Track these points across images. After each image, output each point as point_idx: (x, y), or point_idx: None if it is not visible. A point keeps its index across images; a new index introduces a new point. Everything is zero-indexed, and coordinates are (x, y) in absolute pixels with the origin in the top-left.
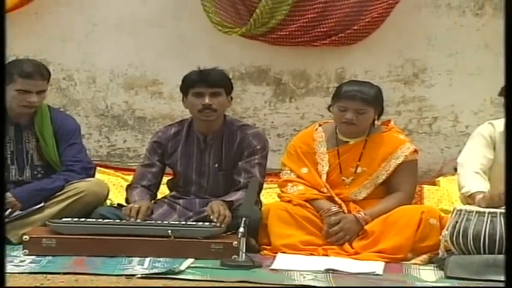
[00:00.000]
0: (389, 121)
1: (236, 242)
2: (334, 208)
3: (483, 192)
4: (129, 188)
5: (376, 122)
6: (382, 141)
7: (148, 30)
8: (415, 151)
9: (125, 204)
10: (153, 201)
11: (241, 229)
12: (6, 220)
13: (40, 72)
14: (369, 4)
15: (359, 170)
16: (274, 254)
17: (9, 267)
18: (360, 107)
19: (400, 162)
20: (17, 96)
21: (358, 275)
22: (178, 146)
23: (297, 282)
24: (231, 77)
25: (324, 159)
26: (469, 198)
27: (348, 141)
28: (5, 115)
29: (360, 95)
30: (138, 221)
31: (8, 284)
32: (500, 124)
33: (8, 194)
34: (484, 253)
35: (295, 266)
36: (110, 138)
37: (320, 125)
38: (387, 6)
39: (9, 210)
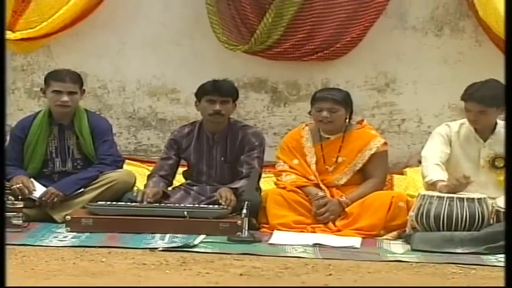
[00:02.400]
0: (362, 120)
1: (240, 222)
2: (321, 193)
3: (443, 180)
4: (149, 176)
5: (347, 120)
6: (357, 136)
7: (168, 48)
8: (385, 143)
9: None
10: (169, 188)
11: (244, 211)
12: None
13: (70, 76)
14: (349, 26)
15: (339, 159)
16: (271, 231)
17: (54, 242)
18: (332, 106)
19: (373, 152)
20: (53, 97)
21: (340, 248)
22: (191, 143)
23: (289, 254)
24: (236, 85)
25: (310, 152)
26: (431, 186)
27: (328, 137)
28: (5, 114)
29: (330, 97)
30: (149, 201)
31: (54, 256)
32: (455, 125)
33: (50, 188)
34: (443, 230)
35: (289, 241)
36: (137, 137)
37: (307, 125)
38: (364, 28)
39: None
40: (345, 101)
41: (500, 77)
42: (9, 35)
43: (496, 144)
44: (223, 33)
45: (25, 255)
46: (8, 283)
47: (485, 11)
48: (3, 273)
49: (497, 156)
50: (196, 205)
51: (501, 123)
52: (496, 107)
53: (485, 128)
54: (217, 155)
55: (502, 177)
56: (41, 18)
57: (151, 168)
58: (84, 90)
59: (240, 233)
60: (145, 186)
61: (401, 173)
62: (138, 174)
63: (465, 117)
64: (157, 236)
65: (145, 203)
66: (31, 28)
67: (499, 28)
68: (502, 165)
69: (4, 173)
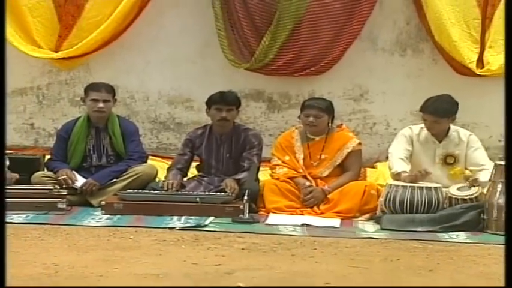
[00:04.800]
0: (341, 124)
1: (242, 206)
2: (308, 183)
3: (406, 171)
4: (168, 169)
5: (330, 124)
6: (337, 138)
7: (184, 65)
8: (360, 143)
9: (163, 180)
10: (185, 179)
11: (246, 197)
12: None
13: (104, 88)
14: (330, 48)
15: (322, 156)
16: (267, 214)
17: (91, 222)
18: (317, 112)
19: (349, 151)
20: (91, 104)
21: (323, 227)
22: (203, 142)
23: (282, 233)
24: (238, 96)
25: (299, 150)
26: (396, 176)
27: (314, 138)
28: (5, 114)
29: (316, 105)
30: (174, 191)
31: (91, 234)
32: (416, 128)
33: (89, 179)
34: (406, 213)
35: (282, 222)
36: (158, 137)
37: (296, 128)
38: (342, 49)
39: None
40: (328, 108)
41: (452, 88)
42: (51, 54)
43: (449, 145)
44: (230, 53)
45: (68, 233)
46: (54, 256)
47: (440, 36)
48: (3, 273)
49: (448, 154)
50: (207, 192)
51: (453, 128)
52: (447, 118)
53: (439, 133)
54: (224, 152)
55: (452, 171)
56: (79, 40)
57: (170, 162)
58: (115, 100)
59: (242, 215)
60: (166, 177)
61: (373, 167)
62: (160, 167)
63: (423, 123)
64: (175, 217)
65: (174, 190)
66: (70, 48)
67: (452, 49)
68: (452, 161)
69: (4, 173)
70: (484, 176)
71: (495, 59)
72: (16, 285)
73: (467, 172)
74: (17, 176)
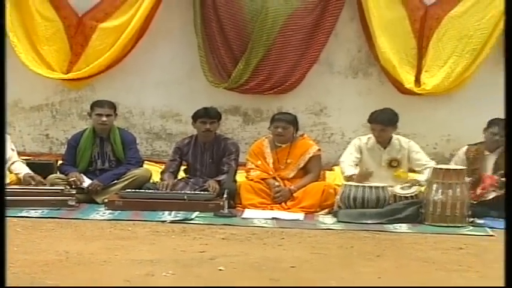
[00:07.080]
0: (303, 134)
1: (222, 203)
2: (277, 183)
3: (355, 174)
4: (162, 173)
5: (294, 134)
6: (300, 145)
7: (173, 86)
8: (319, 150)
9: (159, 181)
10: (176, 180)
11: (225, 195)
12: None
13: (107, 104)
14: (294, 70)
15: (288, 161)
16: (243, 209)
17: (96, 216)
18: (284, 125)
19: (310, 156)
20: (96, 118)
21: (289, 220)
22: (190, 149)
23: (256, 225)
24: (219, 111)
25: (269, 156)
26: (349, 178)
27: (281, 146)
28: (5, 117)
29: (284, 118)
30: (168, 191)
31: (96, 226)
32: (364, 138)
33: (94, 180)
34: (358, 208)
35: (255, 216)
36: (152, 145)
37: (266, 138)
38: (304, 72)
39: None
40: (293, 121)
41: (396, 105)
42: (61, 75)
43: (392, 151)
44: (210, 75)
45: (77, 225)
46: (65, 245)
47: (385, 62)
48: (3, 273)
49: (392, 159)
50: (193, 191)
51: (395, 137)
52: (391, 126)
53: (384, 140)
54: (207, 158)
55: (396, 173)
56: (86, 65)
57: (162, 167)
58: (116, 114)
59: (222, 211)
60: (161, 179)
61: (331, 170)
62: (154, 171)
63: (371, 133)
64: (166, 212)
65: (169, 189)
66: (79, 71)
67: (395, 73)
68: (396, 165)
69: (4, 173)
70: (427, 174)
71: (430, 81)
72: (20, 283)
73: (405, 172)
74: (40, 178)
